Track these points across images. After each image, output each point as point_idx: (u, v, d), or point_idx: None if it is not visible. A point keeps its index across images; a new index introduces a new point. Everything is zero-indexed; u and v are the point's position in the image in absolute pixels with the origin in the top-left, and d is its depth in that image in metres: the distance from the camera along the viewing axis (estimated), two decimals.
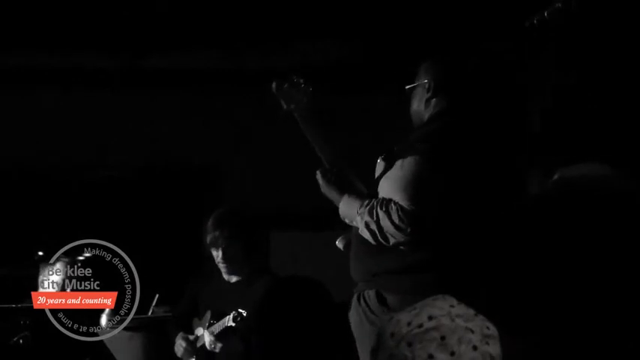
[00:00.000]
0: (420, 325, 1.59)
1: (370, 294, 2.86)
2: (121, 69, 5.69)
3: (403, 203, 2.79)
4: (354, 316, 2.93)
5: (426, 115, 3.03)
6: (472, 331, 1.60)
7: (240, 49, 5.34)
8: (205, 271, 4.16)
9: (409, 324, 1.61)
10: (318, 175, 3.13)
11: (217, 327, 3.82)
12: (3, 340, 4.52)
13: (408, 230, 2.77)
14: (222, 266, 3.95)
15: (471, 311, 1.64)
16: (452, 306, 1.65)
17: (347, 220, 3.03)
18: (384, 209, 2.81)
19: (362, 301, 2.89)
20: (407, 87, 3.10)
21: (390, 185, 2.86)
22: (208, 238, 3.95)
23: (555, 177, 2.75)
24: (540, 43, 4.38)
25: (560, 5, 3.81)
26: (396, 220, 2.78)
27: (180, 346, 3.98)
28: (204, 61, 5.64)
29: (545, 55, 4.26)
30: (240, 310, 3.71)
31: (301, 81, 3.12)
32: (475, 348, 1.58)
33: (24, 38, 5.09)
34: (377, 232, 2.83)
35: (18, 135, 5.90)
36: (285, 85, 3.12)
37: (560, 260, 2.49)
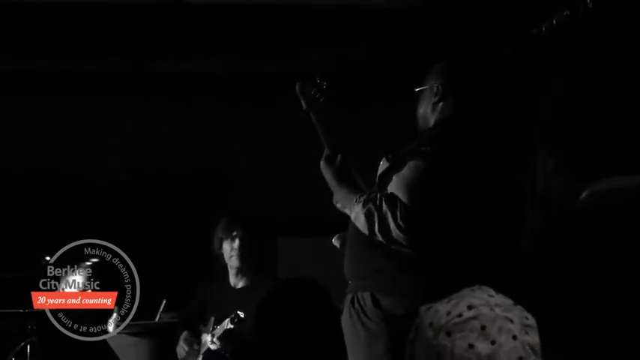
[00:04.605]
0: (460, 315, 1.57)
1: (365, 296, 2.82)
2: (124, 73, 5.70)
3: (407, 203, 2.80)
4: (347, 320, 2.87)
5: (432, 120, 3.02)
6: (511, 321, 1.58)
7: (244, 54, 5.35)
8: (213, 275, 4.18)
9: (448, 314, 1.58)
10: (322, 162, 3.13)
11: (218, 330, 3.88)
12: (10, 344, 4.53)
13: (408, 230, 2.77)
14: (234, 264, 4.03)
15: (510, 301, 1.63)
16: (490, 296, 1.63)
17: (339, 205, 3.01)
18: (389, 204, 2.82)
19: (356, 304, 2.84)
20: (416, 90, 3.10)
21: (396, 184, 2.86)
22: (223, 238, 4.06)
23: (589, 190, 2.75)
24: (540, 44, 4.39)
25: (568, 13, 3.81)
26: (398, 218, 2.78)
27: (182, 348, 4.01)
28: (209, 66, 5.65)
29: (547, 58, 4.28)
30: (237, 312, 3.78)
31: (324, 83, 3.14)
32: (515, 337, 1.56)
33: (26, 43, 5.10)
34: (376, 223, 2.82)
35: (19, 137, 5.91)
36: (309, 87, 3.13)
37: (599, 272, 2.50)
